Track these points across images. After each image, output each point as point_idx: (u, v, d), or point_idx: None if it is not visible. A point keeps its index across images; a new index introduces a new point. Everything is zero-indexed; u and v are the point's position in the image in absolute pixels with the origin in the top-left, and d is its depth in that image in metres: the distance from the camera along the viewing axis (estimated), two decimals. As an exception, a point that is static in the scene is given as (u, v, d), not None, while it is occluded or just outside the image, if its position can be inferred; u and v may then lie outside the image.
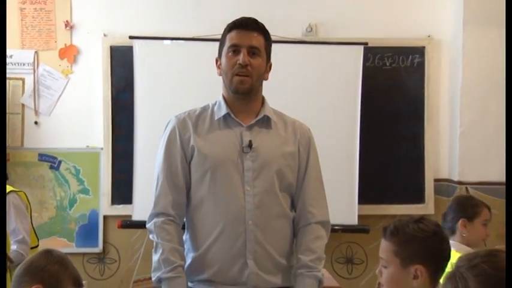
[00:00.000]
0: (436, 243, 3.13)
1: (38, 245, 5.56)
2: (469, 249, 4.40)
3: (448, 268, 2.69)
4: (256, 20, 3.69)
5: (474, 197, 5.77)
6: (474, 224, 4.74)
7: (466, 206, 4.96)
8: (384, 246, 3.17)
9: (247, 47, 3.59)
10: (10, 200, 5.25)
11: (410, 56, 7.32)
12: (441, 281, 2.94)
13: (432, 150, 7.33)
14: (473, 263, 2.42)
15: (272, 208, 3.65)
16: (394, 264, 3.07)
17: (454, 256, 4.01)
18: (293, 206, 3.76)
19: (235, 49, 3.60)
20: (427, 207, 7.22)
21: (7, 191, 5.29)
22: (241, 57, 3.57)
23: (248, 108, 3.70)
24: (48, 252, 3.23)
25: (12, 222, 5.21)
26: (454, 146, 7.25)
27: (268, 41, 3.69)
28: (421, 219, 3.21)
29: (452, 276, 2.46)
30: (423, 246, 3.05)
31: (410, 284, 3.02)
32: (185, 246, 3.73)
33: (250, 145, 3.63)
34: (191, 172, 3.67)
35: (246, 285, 3.60)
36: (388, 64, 7.31)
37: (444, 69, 7.35)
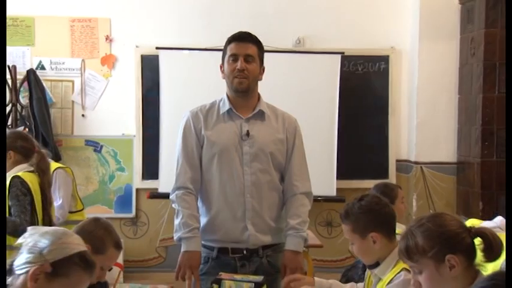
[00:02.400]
0: (379, 210, 3.11)
1: (83, 208, 5.54)
2: (400, 225, 4.42)
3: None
4: (250, 33, 3.72)
5: (388, 182, 5.76)
6: (396, 205, 4.67)
7: (387, 193, 4.88)
8: (345, 229, 3.15)
9: (244, 56, 3.62)
10: (56, 174, 5.25)
11: (378, 63, 7.30)
12: None
13: (394, 137, 7.31)
14: (420, 223, 2.48)
15: (265, 184, 3.68)
16: (356, 239, 3.05)
17: None
18: (282, 180, 3.77)
19: (234, 58, 3.63)
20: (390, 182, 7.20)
21: (54, 167, 5.28)
22: (239, 64, 3.60)
23: (246, 104, 3.71)
24: (96, 220, 3.23)
25: (56, 191, 5.22)
26: (411, 133, 7.23)
27: (260, 49, 3.71)
28: (362, 197, 3.21)
29: (405, 234, 2.51)
30: (370, 217, 3.04)
31: (373, 248, 3.00)
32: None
33: (247, 134, 3.66)
34: (202, 155, 3.71)
35: (246, 243, 3.65)
36: (360, 69, 7.29)
37: (404, 73, 7.31)
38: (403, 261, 2.71)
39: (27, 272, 2.28)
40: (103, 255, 3.05)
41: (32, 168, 4.32)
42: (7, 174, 4.25)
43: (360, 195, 3.28)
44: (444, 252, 2.38)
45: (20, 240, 2.44)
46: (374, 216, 3.05)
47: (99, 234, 3.06)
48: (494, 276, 1.79)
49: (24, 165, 4.29)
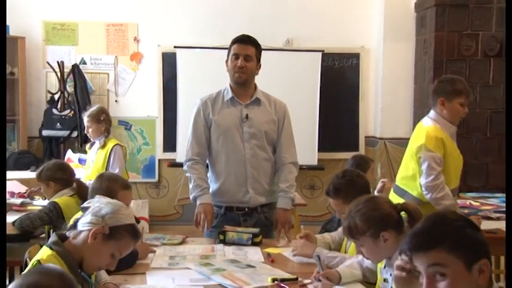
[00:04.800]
0: (360, 182, 3.12)
1: (127, 178, 5.57)
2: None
3: None
4: (250, 36, 3.71)
5: (364, 155, 5.75)
6: (367, 174, 4.65)
7: (361, 164, 4.93)
8: (335, 203, 3.12)
9: (244, 55, 3.62)
10: (116, 149, 5.25)
11: (351, 59, 7.28)
12: None
13: (364, 118, 7.31)
14: (358, 208, 2.47)
15: (261, 156, 3.71)
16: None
17: None
18: (274, 153, 3.78)
19: (236, 56, 3.63)
20: (360, 154, 7.22)
21: (114, 144, 5.30)
22: (239, 62, 3.61)
23: (245, 92, 3.72)
24: (100, 176, 3.37)
25: (114, 163, 5.22)
26: (377, 115, 7.22)
27: (258, 49, 3.70)
28: (343, 173, 3.20)
29: (346, 217, 2.50)
30: (356, 188, 3.01)
31: None
32: (209, 180, 3.78)
33: (247, 117, 3.67)
34: (210, 134, 3.72)
35: (248, 203, 3.70)
36: (337, 64, 7.27)
37: (372, 67, 7.30)
38: (348, 238, 2.76)
39: (89, 230, 2.35)
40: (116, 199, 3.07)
41: (72, 193, 4.08)
42: (51, 199, 4.08)
43: (341, 171, 3.27)
44: (379, 231, 2.41)
45: (86, 204, 2.49)
46: (359, 187, 3.04)
47: (104, 186, 3.10)
48: None
49: (65, 191, 4.06)
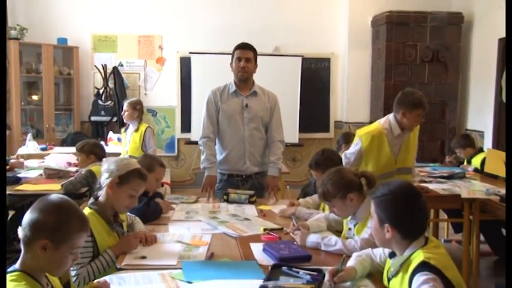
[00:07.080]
0: (336, 158, 3.13)
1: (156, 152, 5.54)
2: None
3: None
4: (248, 43, 3.68)
5: (350, 132, 5.75)
6: (348, 145, 4.62)
7: (346, 137, 4.92)
8: (317, 174, 3.13)
9: (245, 58, 3.60)
10: (148, 131, 5.21)
11: (323, 62, 7.27)
12: None
13: (333, 107, 7.32)
14: (329, 177, 2.47)
15: (257, 136, 3.69)
16: None
17: None
18: (267, 133, 3.76)
19: (239, 59, 3.61)
20: (330, 134, 7.26)
21: (145, 127, 5.23)
22: (241, 64, 3.60)
23: (246, 87, 3.69)
24: (145, 155, 3.39)
25: (149, 142, 5.19)
26: (343, 105, 7.22)
27: (255, 53, 3.67)
28: (323, 152, 3.20)
29: (321, 185, 2.50)
30: (332, 163, 2.96)
31: None
32: (216, 151, 3.77)
33: (246, 105, 3.66)
34: (218, 118, 3.69)
35: (245, 171, 3.69)
36: (313, 66, 7.26)
37: (339, 69, 7.29)
38: (323, 202, 2.80)
39: (106, 185, 2.38)
40: (154, 172, 3.09)
41: (101, 163, 4.14)
42: (87, 167, 4.12)
43: (320, 150, 3.26)
44: (346, 193, 2.42)
45: (102, 168, 2.49)
46: (334, 162, 3.03)
47: (148, 161, 3.08)
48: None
49: (98, 163, 4.01)
